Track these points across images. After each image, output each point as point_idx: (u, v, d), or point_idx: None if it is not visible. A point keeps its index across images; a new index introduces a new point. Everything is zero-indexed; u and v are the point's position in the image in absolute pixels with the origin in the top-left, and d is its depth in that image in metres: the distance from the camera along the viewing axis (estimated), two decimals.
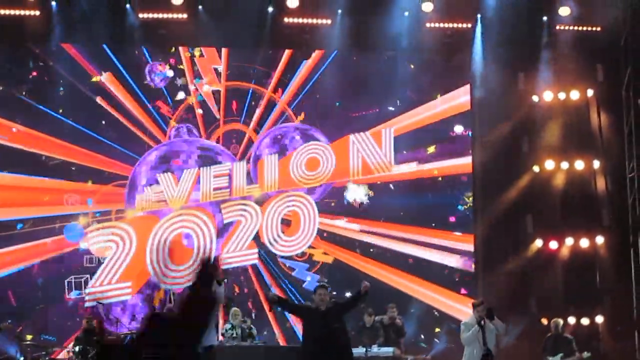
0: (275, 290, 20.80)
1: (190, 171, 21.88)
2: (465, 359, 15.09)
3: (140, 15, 21.76)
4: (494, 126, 22.28)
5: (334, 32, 22.20)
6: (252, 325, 18.81)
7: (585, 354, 18.46)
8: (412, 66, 22.68)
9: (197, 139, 22.17)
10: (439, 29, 22.42)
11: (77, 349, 18.14)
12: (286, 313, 18.71)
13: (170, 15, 21.89)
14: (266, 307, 15.41)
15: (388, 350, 18.07)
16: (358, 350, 17.62)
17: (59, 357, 19.29)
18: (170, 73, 22.20)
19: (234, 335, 18.20)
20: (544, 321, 20.23)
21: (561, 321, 19.29)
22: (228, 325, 18.36)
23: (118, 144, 21.77)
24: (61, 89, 21.88)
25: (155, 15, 21.91)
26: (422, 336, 21.48)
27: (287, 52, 22.51)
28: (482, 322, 14.77)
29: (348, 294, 18.61)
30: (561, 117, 22.37)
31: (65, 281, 21.29)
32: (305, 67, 22.54)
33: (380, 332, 18.74)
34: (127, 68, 22.02)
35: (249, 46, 22.28)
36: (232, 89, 22.41)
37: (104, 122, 21.82)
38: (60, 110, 21.69)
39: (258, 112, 22.37)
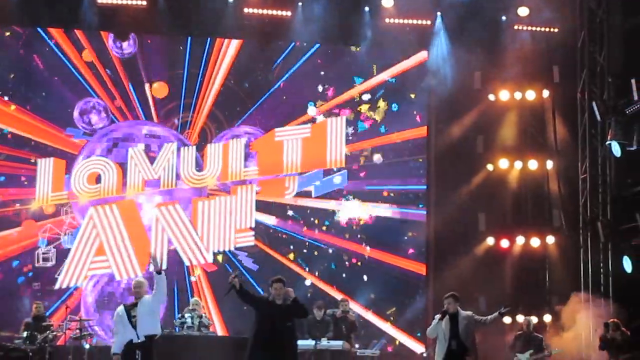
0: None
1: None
2: (436, 352, 15.10)
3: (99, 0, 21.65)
4: (449, 124, 22.37)
5: (293, 24, 22.20)
6: (208, 319, 18.78)
7: (555, 350, 18.60)
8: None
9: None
10: (399, 25, 22.49)
11: (25, 334, 18.01)
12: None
13: (129, 2, 21.79)
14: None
15: (337, 343, 18.10)
16: (307, 343, 17.65)
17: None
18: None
19: (190, 324, 18.06)
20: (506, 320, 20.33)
21: (534, 319, 19.44)
22: (187, 314, 18.22)
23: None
24: None
25: (114, 1, 21.80)
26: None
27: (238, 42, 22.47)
28: (443, 315, 14.82)
29: None
30: (517, 116, 22.54)
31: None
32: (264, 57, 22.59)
33: (330, 325, 18.74)
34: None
35: (209, 35, 22.22)
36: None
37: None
38: None
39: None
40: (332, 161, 22.35)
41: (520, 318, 20.83)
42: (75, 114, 21.82)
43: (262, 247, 22.08)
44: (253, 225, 22.03)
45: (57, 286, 21.17)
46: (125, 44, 22.19)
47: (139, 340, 13.85)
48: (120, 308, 14.28)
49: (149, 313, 14.09)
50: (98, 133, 21.89)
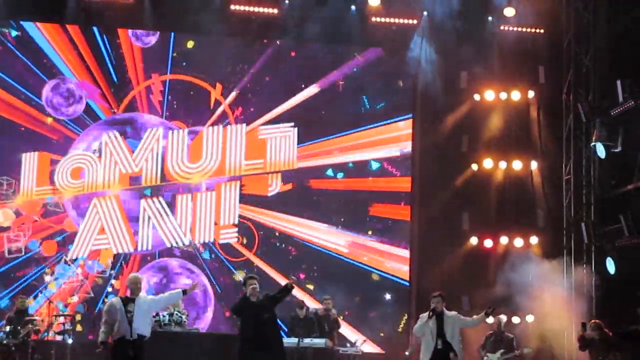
0: None
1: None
2: (421, 351, 15.16)
3: None
4: (434, 123, 22.40)
5: (280, 22, 22.20)
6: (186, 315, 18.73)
7: (526, 350, 18.64)
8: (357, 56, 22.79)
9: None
10: (385, 24, 22.52)
11: (7, 328, 17.96)
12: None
13: None
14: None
15: (320, 341, 18.10)
16: (291, 341, 17.67)
17: None
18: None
19: (166, 322, 17.97)
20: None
21: (504, 318, 19.49)
22: (166, 312, 18.18)
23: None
24: None
25: None
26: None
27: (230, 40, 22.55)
28: (431, 314, 14.88)
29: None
30: (502, 116, 22.60)
31: None
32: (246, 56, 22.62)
33: (314, 324, 18.76)
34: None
35: (194, 33, 22.21)
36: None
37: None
38: None
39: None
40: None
41: (503, 318, 20.88)
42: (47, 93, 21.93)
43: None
44: (237, 222, 22.04)
45: (68, 257, 21.48)
46: (146, 34, 22.23)
47: (132, 338, 13.86)
48: (117, 300, 14.29)
49: (145, 314, 14.16)
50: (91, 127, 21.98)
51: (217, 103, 22.38)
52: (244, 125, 22.30)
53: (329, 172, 22.49)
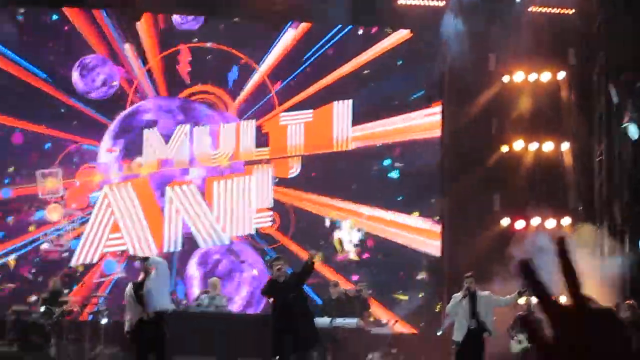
0: None
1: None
2: (455, 330, 15.16)
3: None
4: (463, 106, 22.35)
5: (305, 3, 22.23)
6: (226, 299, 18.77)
7: None
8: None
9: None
10: (413, 6, 22.45)
11: (42, 309, 18.02)
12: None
13: None
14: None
15: (352, 321, 18.12)
16: (323, 321, 17.68)
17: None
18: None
19: (205, 305, 18.02)
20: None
21: (535, 300, 19.31)
22: (203, 296, 18.21)
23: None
24: None
25: None
26: None
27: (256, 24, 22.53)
28: (465, 295, 14.88)
29: None
30: (531, 98, 22.48)
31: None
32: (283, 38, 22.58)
33: (345, 304, 18.78)
34: None
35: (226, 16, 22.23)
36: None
37: None
38: None
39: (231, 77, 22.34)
40: (339, 143, 22.36)
41: (534, 300, 20.74)
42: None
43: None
44: (271, 205, 22.01)
45: (72, 263, 21.17)
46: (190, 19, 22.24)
47: (149, 318, 13.95)
48: (129, 287, 14.46)
49: (156, 289, 14.22)
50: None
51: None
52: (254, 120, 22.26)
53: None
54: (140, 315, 14.16)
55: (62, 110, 21.47)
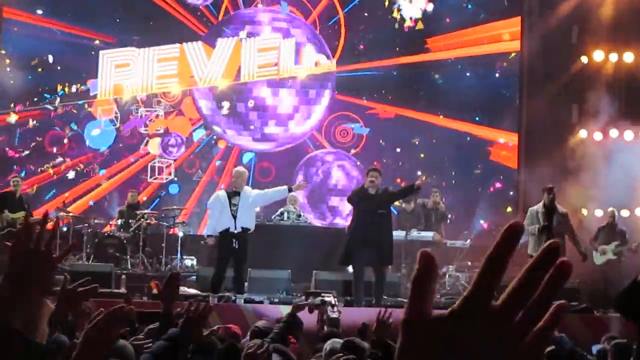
0: None
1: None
2: (530, 245, 14.96)
3: None
4: (542, 15, 21.91)
5: None
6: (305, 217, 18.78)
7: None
8: None
9: None
10: None
11: (119, 222, 18.21)
12: None
13: None
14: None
15: (428, 235, 18.05)
16: (398, 234, 17.62)
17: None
18: None
19: (286, 219, 18.01)
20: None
21: (621, 212, 19.07)
22: (283, 209, 18.16)
23: None
24: None
25: None
26: None
27: None
28: (546, 206, 14.71)
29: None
30: (613, 6, 21.88)
31: None
32: None
33: (421, 217, 18.66)
34: None
35: None
36: None
37: None
38: None
39: None
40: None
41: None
42: None
43: None
44: None
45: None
46: None
47: (237, 231, 13.99)
48: (222, 192, 14.46)
49: (249, 207, 14.24)
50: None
51: None
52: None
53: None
54: (228, 226, 14.14)
55: None
